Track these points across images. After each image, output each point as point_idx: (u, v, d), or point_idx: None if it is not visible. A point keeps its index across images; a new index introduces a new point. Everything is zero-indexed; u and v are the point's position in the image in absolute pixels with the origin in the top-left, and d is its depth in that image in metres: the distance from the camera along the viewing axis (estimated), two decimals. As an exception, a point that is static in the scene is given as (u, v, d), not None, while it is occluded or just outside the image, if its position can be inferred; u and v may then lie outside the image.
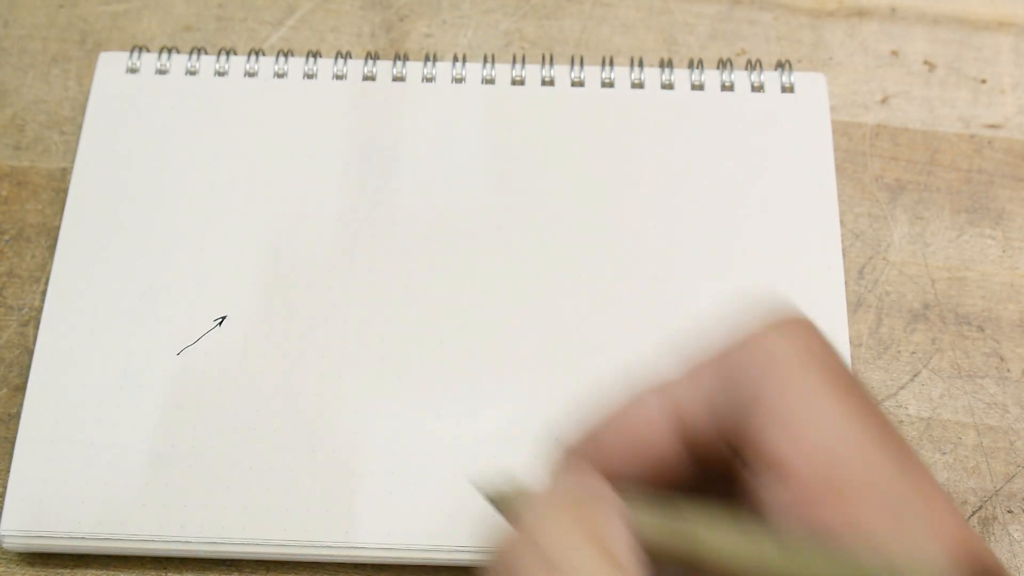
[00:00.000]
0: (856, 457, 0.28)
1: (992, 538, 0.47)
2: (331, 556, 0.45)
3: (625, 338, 0.48)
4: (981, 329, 0.50)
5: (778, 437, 0.29)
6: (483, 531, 0.45)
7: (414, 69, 0.54)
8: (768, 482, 0.29)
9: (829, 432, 0.29)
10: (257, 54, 0.54)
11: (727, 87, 0.54)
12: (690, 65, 0.54)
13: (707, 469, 0.32)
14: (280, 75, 0.54)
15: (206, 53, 0.54)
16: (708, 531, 0.29)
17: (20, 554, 0.46)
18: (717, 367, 0.31)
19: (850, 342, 0.49)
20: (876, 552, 0.27)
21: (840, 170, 0.53)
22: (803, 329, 0.30)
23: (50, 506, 0.45)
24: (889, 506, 0.28)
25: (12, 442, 0.47)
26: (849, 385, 0.30)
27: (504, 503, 0.33)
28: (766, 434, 0.29)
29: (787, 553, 0.28)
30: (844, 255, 0.52)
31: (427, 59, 0.54)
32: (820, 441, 0.29)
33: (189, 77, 0.54)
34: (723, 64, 0.54)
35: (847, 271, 0.51)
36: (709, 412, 0.31)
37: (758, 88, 0.54)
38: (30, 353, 0.49)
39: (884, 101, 0.55)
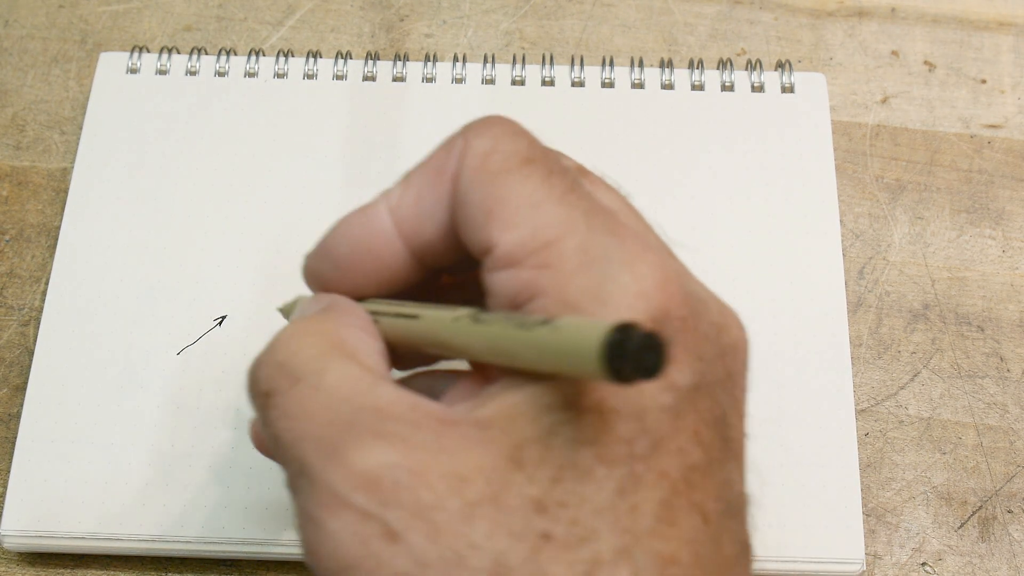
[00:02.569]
0: (557, 227, 0.30)
1: (992, 538, 0.47)
2: (331, 556, 0.45)
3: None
4: (981, 329, 0.50)
5: (491, 225, 0.31)
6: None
7: (414, 69, 0.54)
8: (486, 267, 0.31)
9: (531, 210, 0.31)
10: (257, 54, 0.54)
11: (727, 87, 0.54)
12: (690, 65, 0.54)
13: (440, 273, 0.35)
14: (280, 75, 0.54)
15: (206, 53, 0.54)
16: (427, 319, 0.32)
17: (20, 554, 0.46)
18: (430, 174, 0.33)
19: (850, 342, 0.49)
20: (565, 315, 0.29)
21: (840, 170, 0.53)
22: (501, 127, 0.33)
23: (50, 506, 0.45)
24: (591, 271, 0.30)
25: (12, 442, 0.47)
26: (549, 171, 0.32)
27: (287, 315, 0.37)
28: (481, 227, 0.31)
29: (478, 324, 0.30)
30: (844, 255, 0.52)
31: (427, 59, 0.54)
32: (524, 218, 0.31)
33: (189, 77, 0.54)
34: (723, 64, 0.54)
35: (847, 271, 0.51)
36: (429, 217, 0.33)
37: (758, 88, 0.54)
38: (30, 353, 0.49)
39: (884, 101, 0.55)
